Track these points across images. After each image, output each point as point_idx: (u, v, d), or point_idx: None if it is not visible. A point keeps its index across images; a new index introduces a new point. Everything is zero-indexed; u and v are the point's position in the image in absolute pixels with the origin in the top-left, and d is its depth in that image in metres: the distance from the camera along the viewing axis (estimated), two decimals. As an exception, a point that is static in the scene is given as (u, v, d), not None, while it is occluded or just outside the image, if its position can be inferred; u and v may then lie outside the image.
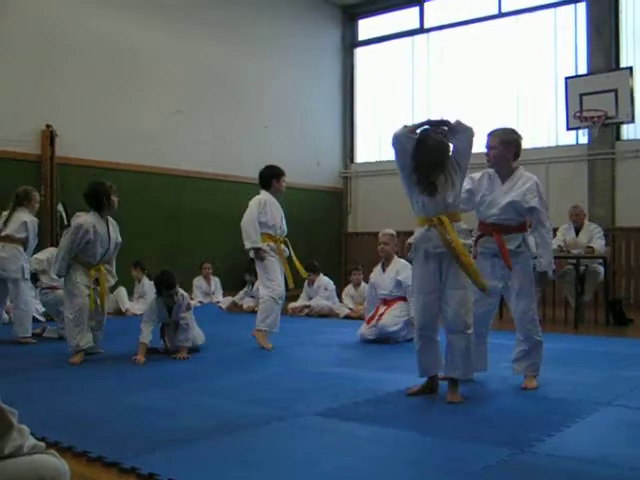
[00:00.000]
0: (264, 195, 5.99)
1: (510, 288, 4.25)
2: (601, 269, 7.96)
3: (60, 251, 5.34)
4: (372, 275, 6.60)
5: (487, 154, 4.30)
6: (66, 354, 5.26)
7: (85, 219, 5.30)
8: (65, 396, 4.05)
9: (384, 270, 6.46)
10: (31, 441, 1.86)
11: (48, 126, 8.64)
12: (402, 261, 6.33)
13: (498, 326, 5.60)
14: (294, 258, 6.09)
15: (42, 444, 1.90)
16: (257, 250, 5.83)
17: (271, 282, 5.87)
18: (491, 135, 4.30)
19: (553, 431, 3.18)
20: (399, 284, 6.33)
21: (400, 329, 6.24)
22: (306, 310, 8.93)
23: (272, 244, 5.91)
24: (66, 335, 5.38)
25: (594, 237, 8.06)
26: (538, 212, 4.21)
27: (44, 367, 5.05)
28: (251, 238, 5.80)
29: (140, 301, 8.72)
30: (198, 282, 9.82)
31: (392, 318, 6.24)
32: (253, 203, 5.92)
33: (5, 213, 6.37)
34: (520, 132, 4.36)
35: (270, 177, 6.04)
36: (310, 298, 9.18)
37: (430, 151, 3.76)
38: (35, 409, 3.49)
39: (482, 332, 4.31)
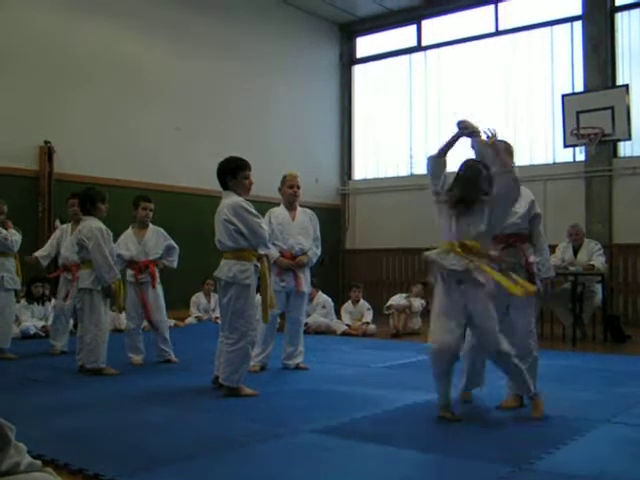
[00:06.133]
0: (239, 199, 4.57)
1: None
2: (599, 290, 7.91)
3: (110, 257, 5.44)
4: None
5: None
6: (63, 370, 5.23)
7: (97, 224, 5.46)
8: (61, 413, 4.01)
9: None
10: (27, 459, 1.84)
11: (46, 142, 8.66)
12: None
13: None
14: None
15: (39, 462, 1.88)
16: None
17: (253, 319, 4.57)
18: None
19: (552, 448, 3.16)
20: None
21: None
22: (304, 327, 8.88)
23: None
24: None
25: (594, 254, 7.96)
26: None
27: (40, 383, 5.01)
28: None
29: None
30: (197, 298, 9.61)
31: None
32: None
33: None
34: (516, 149, 4.36)
35: (224, 174, 4.63)
36: (308, 315, 9.15)
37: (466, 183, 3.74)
38: (31, 426, 3.45)
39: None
